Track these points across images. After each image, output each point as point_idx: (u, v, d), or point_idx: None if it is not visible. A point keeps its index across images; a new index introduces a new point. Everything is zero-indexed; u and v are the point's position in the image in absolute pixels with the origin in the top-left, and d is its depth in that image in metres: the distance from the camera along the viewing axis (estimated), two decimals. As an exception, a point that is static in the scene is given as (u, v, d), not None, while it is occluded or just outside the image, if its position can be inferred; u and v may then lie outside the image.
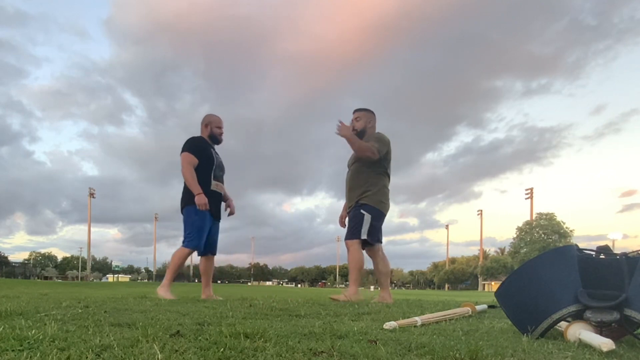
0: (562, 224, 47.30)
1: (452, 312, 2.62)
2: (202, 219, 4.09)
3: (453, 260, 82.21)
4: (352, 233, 3.85)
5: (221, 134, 4.35)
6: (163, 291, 4.02)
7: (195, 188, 4.00)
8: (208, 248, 4.28)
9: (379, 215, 3.86)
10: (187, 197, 4.11)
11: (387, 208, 3.93)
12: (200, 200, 3.97)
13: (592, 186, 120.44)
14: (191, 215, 4.08)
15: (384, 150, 3.88)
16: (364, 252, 3.95)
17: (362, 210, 3.82)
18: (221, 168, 4.32)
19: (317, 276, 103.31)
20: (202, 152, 4.14)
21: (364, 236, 3.80)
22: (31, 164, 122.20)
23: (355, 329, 1.83)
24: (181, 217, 4.22)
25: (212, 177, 4.18)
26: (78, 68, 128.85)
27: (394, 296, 4.28)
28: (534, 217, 50.15)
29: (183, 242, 4.12)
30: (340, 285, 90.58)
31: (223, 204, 4.39)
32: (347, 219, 4.03)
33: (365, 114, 4.05)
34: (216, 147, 4.37)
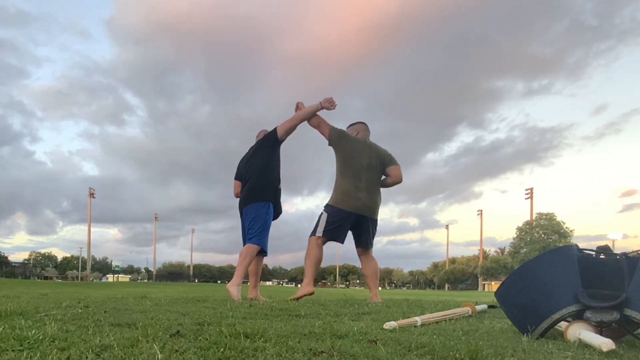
0: (562, 224, 47.32)
1: (452, 312, 2.62)
2: (271, 218, 4.06)
3: (453, 260, 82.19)
4: (312, 230, 3.97)
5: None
6: (234, 289, 3.84)
7: (311, 106, 3.97)
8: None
9: (338, 213, 3.86)
10: (260, 193, 4.02)
11: (352, 205, 3.87)
12: (325, 100, 3.94)
13: (592, 186, 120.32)
14: (265, 212, 3.98)
15: (334, 134, 3.96)
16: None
17: (322, 210, 3.97)
18: None
19: (317, 276, 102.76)
20: (278, 152, 4.16)
21: (319, 234, 3.89)
22: (32, 164, 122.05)
23: (355, 329, 1.83)
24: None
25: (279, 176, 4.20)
26: (79, 68, 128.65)
27: (394, 296, 4.30)
28: (534, 217, 50.17)
29: (251, 238, 3.96)
30: (341, 285, 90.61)
31: None
32: None
33: (351, 128, 4.15)
34: None
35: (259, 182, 4.05)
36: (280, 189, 4.20)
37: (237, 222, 4.21)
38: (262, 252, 4.14)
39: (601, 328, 1.70)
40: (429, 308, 3.19)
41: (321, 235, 3.89)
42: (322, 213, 3.94)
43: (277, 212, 4.20)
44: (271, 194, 4.06)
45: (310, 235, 3.96)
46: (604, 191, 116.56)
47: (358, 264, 4.24)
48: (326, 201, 4.01)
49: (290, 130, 4.04)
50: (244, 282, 4.10)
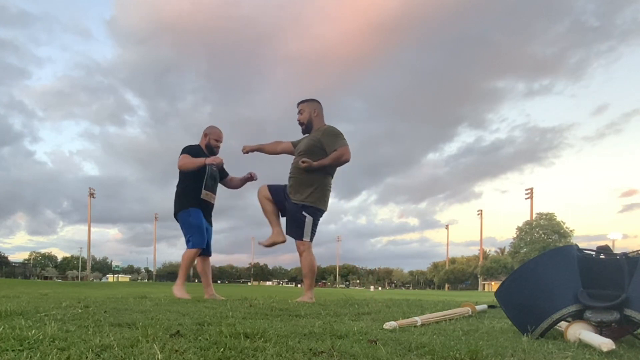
0: (562, 224, 47.30)
1: (452, 312, 2.62)
2: (197, 218, 4.19)
3: (453, 260, 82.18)
4: (297, 234, 3.81)
5: (218, 147, 4.42)
6: (177, 290, 4.16)
7: (198, 162, 4.07)
8: (204, 250, 4.34)
9: (319, 213, 3.87)
10: (180, 203, 4.22)
11: (327, 204, 3.92)
12: (210, 159, 4.04)
13: (592, 186, 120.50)
14: (187, 217, 4.19)
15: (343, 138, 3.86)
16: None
17: (304, 212, 3.78)
18: (214, 178, 4.38)
19: (317, 276, 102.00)
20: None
21: (308, 238, 3.82)
22: (32, 164, 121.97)
23: (355, 329, 1.83)
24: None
25: (204, 186, 4.26)
26: (80, 68, 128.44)
27: (394, 296, 4.26)
28: (534, 217, 50.17)
29: (187, 243, 4.21)
30: (341, 285, 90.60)
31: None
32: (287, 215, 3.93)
33: (308, 104, 3.97)
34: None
35: (175, 194, 4.30)
36: (204, 200, 4.27)
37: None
38: (205, 252, 4.35)
39: (601, 328, 1.70)
40: (429, 308, 3.19)
41: (310, 240, 3.83)
42: (305, 216, 3.77)
43: (206, 219, 4.32)
44: (189, 201, 4.19)
45: (301, 241, 3.80)
46: (604, 191, 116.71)
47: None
48: (329, 201, 3.93)
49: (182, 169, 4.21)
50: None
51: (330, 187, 3.94)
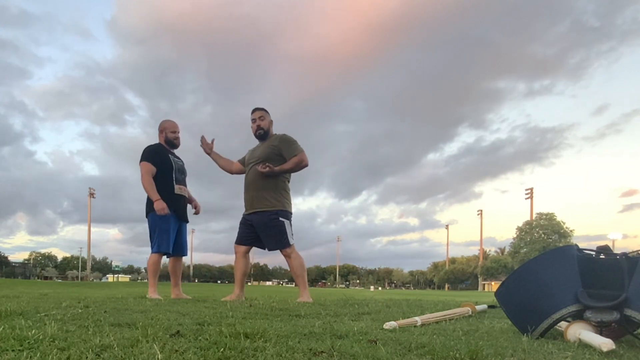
0: (562, 224, 47.33)
1: (452, 312, 2.62)
2: (166, 222, 4.16)
3: (453, 260, 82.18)
4: (282, 243, 3.85)
5: (176, 138, 4.41)
6: (150, 295, 4.11)
7: (154, 195, 4.08)
8: (177, 249, 4.34)
9: (291, 216, 3.95)
10: (151, 204, 4.19)
11: (292, 207, 4.01)
12: (159, 205, 4.05)
13: (592, 186, 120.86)
14: (156, 220, 4.15)
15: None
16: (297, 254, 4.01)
17: (280, 218, 3.84)
18: (182, 171, 4.38)
19: (317, 276, 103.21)
20: (160, 160, 4.22)
21: (292, 241, 3.87)
22: (32, 164, 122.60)
23: (355, 329, 1.83)
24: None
25: (175, 181, 4.25)
26: (81, 68, 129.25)
27: (394, 296, 4.26)
28: (534, 217, 50.18)
29: (152, 247, 4.19)
30: (341, 285, 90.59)
31: (189, 206, 4.50)
32: (260, 227, 3.91)
33: (267, 112, 4.06)
34: (176, 151, 4.45)
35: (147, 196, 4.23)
36: (178, 194, 4.27)
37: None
38: (178, 252, 4.34)
39: (601, 328, 1.70)
40: (429, 308, 3.19)
41: (294, 241, 3.89)
42: (283, 222, 3.83)
43: (180, 215, 4.31)
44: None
45: (288, 247, 3.84)
46: (604, 191, 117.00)
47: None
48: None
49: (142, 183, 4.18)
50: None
51: (289, 190, 4.01)
